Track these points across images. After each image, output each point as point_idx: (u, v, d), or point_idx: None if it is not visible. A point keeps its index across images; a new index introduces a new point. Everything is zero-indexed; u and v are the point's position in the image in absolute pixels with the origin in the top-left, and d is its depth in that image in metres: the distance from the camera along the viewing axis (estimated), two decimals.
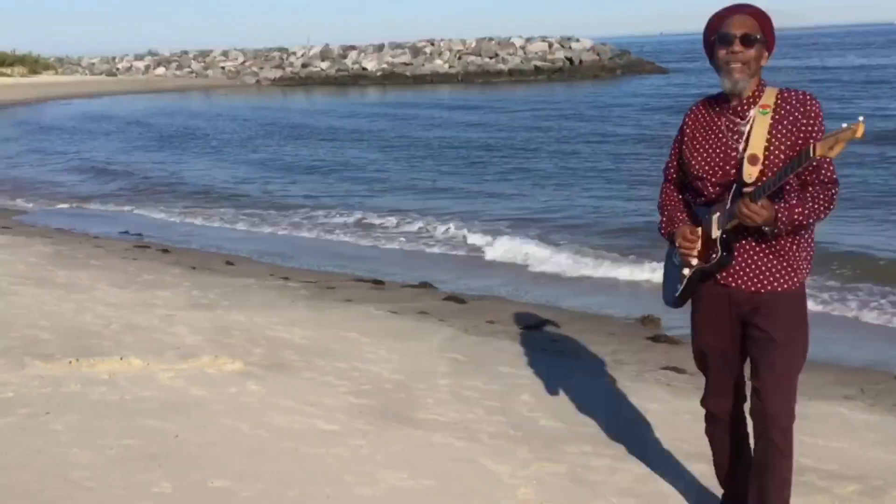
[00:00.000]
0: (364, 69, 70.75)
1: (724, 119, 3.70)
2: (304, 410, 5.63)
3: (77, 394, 5.73)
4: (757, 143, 3.58)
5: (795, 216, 3.53)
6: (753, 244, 3.68)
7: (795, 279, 3.70)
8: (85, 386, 5.88)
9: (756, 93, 3.66)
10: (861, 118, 3.23)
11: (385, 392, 6.07)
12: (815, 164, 3.50)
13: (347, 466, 4.79)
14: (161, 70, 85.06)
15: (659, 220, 4.01)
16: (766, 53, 3.65)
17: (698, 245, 3.77)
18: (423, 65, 67.76)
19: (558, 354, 7.26)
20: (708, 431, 4.08)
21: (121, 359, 6.44)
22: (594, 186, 17.55)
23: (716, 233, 3.69)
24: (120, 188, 19.94)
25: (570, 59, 64.18)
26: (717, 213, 3.69)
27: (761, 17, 3.64)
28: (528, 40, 67.44)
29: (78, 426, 5.17)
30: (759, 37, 3.59)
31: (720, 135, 3.70)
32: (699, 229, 3.76)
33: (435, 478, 4.68)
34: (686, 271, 3.83)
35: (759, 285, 3.69)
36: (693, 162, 3.76)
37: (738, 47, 3.56)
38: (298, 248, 12.98)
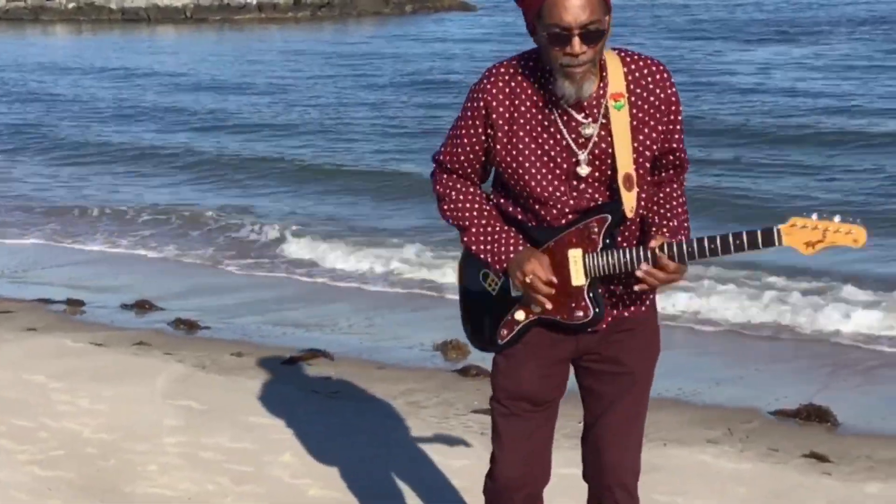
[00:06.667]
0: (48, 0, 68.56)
1: (557, 112, 3.51)
2: None
3: None
4: (625, 157, 3.49)
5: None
6: None
7: (654, 293, 3.80)
8: None
9: (602, 77, 3.49)
10: (859, 221, 3.32)
11: (87, 459, 5.95)
12: (672, 146, 3.63)
13: None
14: None
15: (460, 231, 3.72)
16: (609, 17, 3.41)
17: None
18: None
19: (332, 397, 7.30)
20: None
21: None
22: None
23: (581, 280, 3.55)
24: None
25: None
26: (580, 251, 3.54)
27: None
28: None
29: None
30: (604, 23, 3.36)
31: (558, 136, 3.52)
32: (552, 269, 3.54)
33: None
34: (521, 316, 3.65)
35: (620, 307, 3.71)
36: (527, 177, 3.54)
37: (579, 48, 3.32)
38: None
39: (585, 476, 3.90)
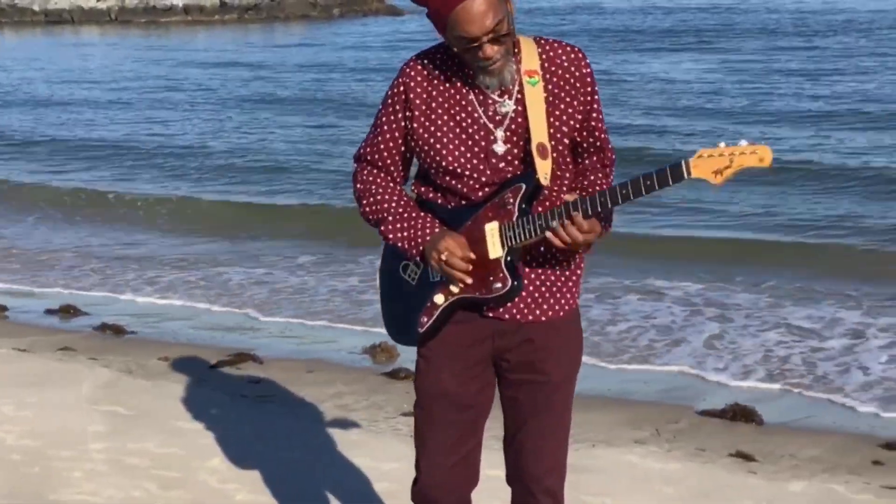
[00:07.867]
0: None
1: (474, 92, 3.59)
2: None
3: None
4: (539, 127, 3.53)
5: (611, 226, 3.62)
6: (531, 260, 3.66)
7: (576, 296, 3.80)
8: None
9: (515, 55, 3.57)
10: (764, 142, 3.30)
11: (11, 465, 5.91)
12: (591, 124, 3.65)
13: None
14: None
15: (378, 225, 3.75)
16: (509, 3, 3.48)
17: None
18: None
19: (261, 400, 7.28)
20: None
21: None
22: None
23: (498, 251, 3.57)
24: None
25: None
26: (496, 223, 3.57)
27: None
28: None
29: None
30: (507, 20, 3.42)
31: (475, 115, 3.59)
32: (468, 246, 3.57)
33: None
34: (440, 299, 3.65)
35: (537, 311, 3.70)
36: (444, 152, 3.60)
37: (491, 52, 3.43)
38: None
39: (509, 479, 3.89)
